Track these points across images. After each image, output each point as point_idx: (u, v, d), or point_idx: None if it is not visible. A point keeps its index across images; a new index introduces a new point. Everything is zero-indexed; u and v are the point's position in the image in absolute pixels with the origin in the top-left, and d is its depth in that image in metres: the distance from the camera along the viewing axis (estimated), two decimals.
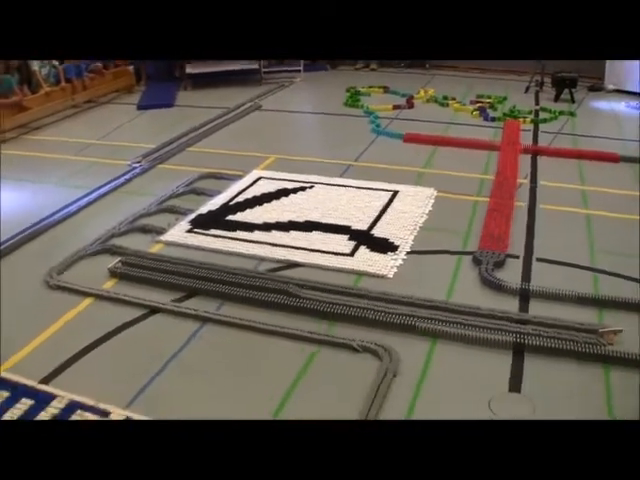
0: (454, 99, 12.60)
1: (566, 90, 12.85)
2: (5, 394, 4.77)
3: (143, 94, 13.61)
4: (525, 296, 5.90)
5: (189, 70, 13.90)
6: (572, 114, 11.83)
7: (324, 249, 6.74)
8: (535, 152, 9.68)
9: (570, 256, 6.59)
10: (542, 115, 11.81)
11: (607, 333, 5.30)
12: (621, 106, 12.68)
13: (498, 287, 5.98)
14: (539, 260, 6.56)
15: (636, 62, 12.89)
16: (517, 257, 6.60)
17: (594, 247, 6.85)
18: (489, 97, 12.73)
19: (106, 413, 4.58)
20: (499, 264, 6.38)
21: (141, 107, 12.74)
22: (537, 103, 12.72)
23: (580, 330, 5.40)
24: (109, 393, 4.79)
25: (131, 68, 14.03)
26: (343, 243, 6.81)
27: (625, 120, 11.88)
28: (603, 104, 12.86)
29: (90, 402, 4.68)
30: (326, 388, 4.89)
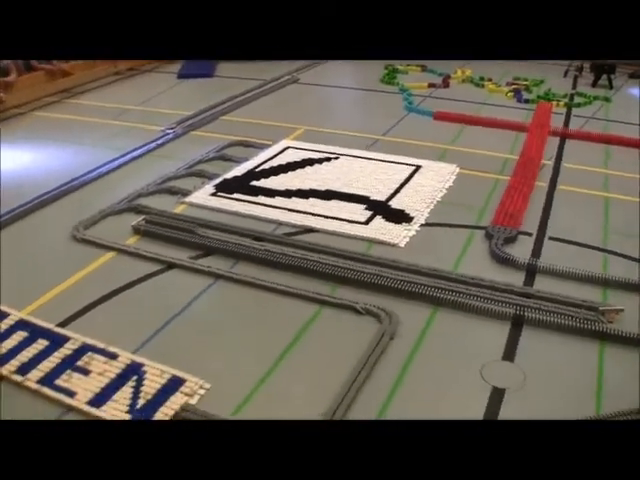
0: (490, 80, 12.65)
1: (605, 76, 12.75)
2: (24, 334, 5.11)
3: (184, 63, 13.82)
4: (532, 271, 6.01)
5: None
6: (607, 100, 11.82)
7: (340, 217, 6.92)
8: (563, 135, 9.73)
9: (583, 236, 6.68)
10: (577, 99, 11.80)
11: (608, 311, 5.40)
12: None
13: (506, 261, 6.10)
14: (551, 239, 6.65)
15: None
16: (530, 234, 6.70)
17: (608, 229, 6.93)
18: (526, 80, 12.76)
19: (115, 356, 4.88)
20: (510, 240, 6.50)
21: (181, 76, 12.99)
22: (574, 87, 12.70)
23: (581, 307, 5.49)
24: (120, 338, 5.07)
25: None
26: (359, 212, 6.97)
27: None
28: None
29: (101, 345, 4.92)
30: (325, 345, 5.10)
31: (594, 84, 12.74)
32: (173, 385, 4.60)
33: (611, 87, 12.61)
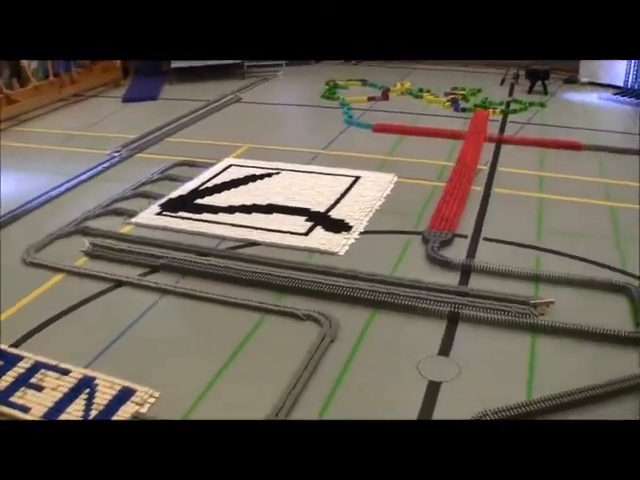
0: (429, 91, 13.00)
1: (540, 82, 13.14)
2: None
3: (129, 87, 14.02)
4: (467, 271, 6.26)
5: (174, 64, 14.26)
6: (542, 105, 12.22)
7: (281, 229, 7.12)
8: (499, 141, 10.06)
9: (517, 236, 6.96)
10: (513, 106, 12.16)
11: (539, 304, 5.67)
12: (593, 98, 13.05)
13: (442, 263, 6.36)
14: (486, 239, 6.92)
15: None
16: (465, 237, 6.95)
17: (542, 228, 7.21)
18: (463, 89, 13.11)
19: (67, 371, 5.04)
20: (446, 242, 6.76)
21: (126, 100, 13.15)
22: (510, 95, 13.08)
23: (513, 301, 5.75)
24: (72, 355, 5.22)
25: (118, 63, 14.37)
26: (300, 224, 7.20)
27: (595, 111, 12.28)
28: (576, 96, 13.24)
29: (53, 362, 5.11)
30: (269, 350, 5.31)
31: (530, 91, 13.15)
32: (124, 395, 4.76)
33: (546, 93, 13.02)
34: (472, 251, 6.68)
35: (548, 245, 6.87)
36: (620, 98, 12.79)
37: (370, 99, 12.50)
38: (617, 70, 13.45)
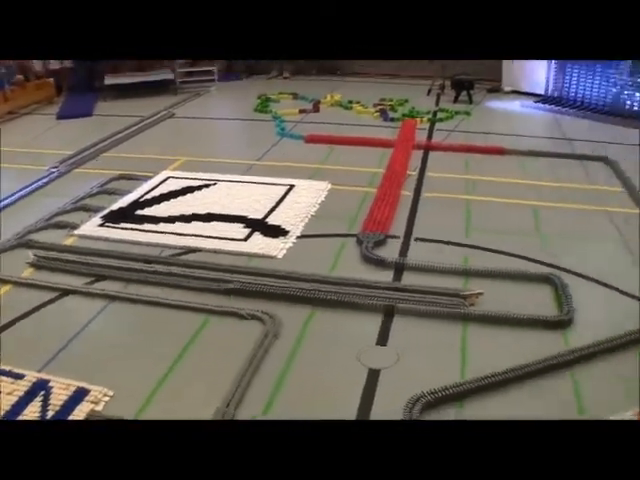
0: (358, 102, 13.40)
1: (465, 92, 13.64)
2: None
3: (63, 105, 14.14)
4: (400, 269, 6.60)
5: (108, 81, 14.46)
6: (467, 113, 12.71)
7: (221, 236, 7.39)
8: (427, 148, 10.48)
9: (446, 235, 7.33)
10: (439, 115, 12.64)
11: (469, 296, 6.03)
12: (516, 105, 13.58)
13: (376, 262, 6.68)
14: (417, 239, 7.27)
15: (530, 64, 13.85)
16: (397, 237, 7.30)
17: (470, 227, 7.60)
18: (391, 100, 13.55)
19: (21, 376, 5.17)
20: (379, 243, 7.10)
21: (61, 117, 13.28)
22: (437, 104, 13.56)
23: (445, 294, 6.10)
24: (25, 361, 5.39)
25: (52, 80, 14.50)
26: (239, 230, 7.48)
27: (518, 118, 12.83)
28: (499, 104, 13.77)
29: (6, 368, 5.27)
30: (215, 348, 5.57)
31: (455, 100, 13.65)
32: (79, 396, 4.95)
33: (471, 102, 13.53)
34: (404, 250, 7.02)
35: (476, 242, 7.25)
36: (541, 105, 13.35)
37: (301, 111, 12.88)
38: (537, 79, 14.02)
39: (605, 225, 7.75)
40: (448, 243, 7.19)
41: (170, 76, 14.66)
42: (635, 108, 12.54)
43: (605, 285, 6.39)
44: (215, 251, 7.11)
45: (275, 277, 6.43)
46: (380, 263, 6.66)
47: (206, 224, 7.72)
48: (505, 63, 14.39)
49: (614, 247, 7.22)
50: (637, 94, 12.51)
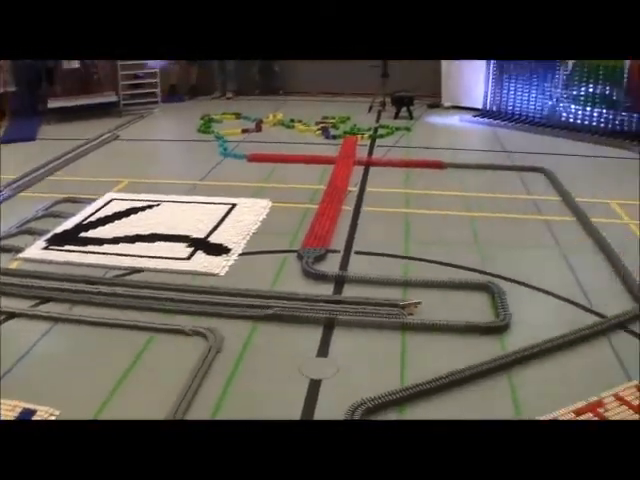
0: (300, 121, 13.54)
1: (405, 108, 13.86)
2: None
3: (6, 129, 14.04)
4: (340, 282, 6.71)
5: (51, 105, 14.41)
6: (407, 129, 12.94)
7: (164, 256, 7.43)
8: (367, 163, 10.66)
9: (386, 248, 7.46)
10: (380, 131, 12.84)
11: (408, 305, 6.15)
12: (455, 120, 13.82)
13: (317, 276, 6.78)
14: (357, 253, 7.39)
15: (468, 79, 14.12)
16: (338, 252, 7.41)
17: (409, 239, 7.75)
18: (333, 118, 13.71)
19: None
20: (320, 258, 7.20)
21: (4, 141, 13.15)
22: (378, 121, 13.76)
23: (384, 305, 6.23)
24: None
25: None
26: (182, 250, 7.54)
27: (457, 132, 13.11)
28: (439, 119, 14.03)
29: None
30: (159, 364, 5.62)
31: (396, 116, 13.86)
32: (25, 416, 4.93)
33: (411, 118, 13.75)
34: (345, 264, 7.13)
35: (415, 254, 7.39)
36: (479, 119, 13.60)
37: (244, 131, 12.97)
38: (476, 94, 14.29)
39: (542, 234, 7.96)
40: (387, 255, 7.27)
41: (114, 98, 14.65)
42: (571, 120, 12.76)
43: (541, 290, 6.59)
44: (158, 271, 7.11)
45: (217, 294, 6.49)
46: (321, 277, 6.75)
47: (150, 244, 7.76)
48: (444, 79, 14.65)
49: (550, 254, 7.42)
50: (572, 106, 12.75)
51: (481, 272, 6.96)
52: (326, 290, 6.59)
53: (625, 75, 12.34)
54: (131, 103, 15.27)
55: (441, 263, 7.14)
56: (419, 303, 6.18)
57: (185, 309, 6.37)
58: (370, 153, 11.41)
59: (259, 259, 7.37)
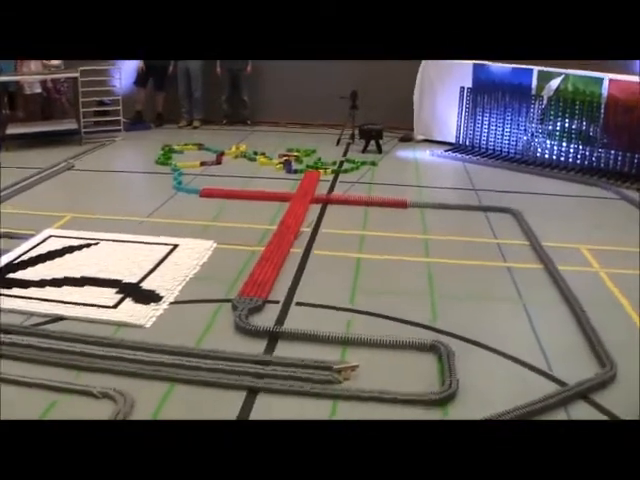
0: (263, 154, 12.92)
1: (374, 141, 13.30)
2: None
3: None
4: (274, 338, 6.12)
5: (10, 131, 13.82)
6: (374, 164, 12.36)
7: (90, 302, 6.86)
8: (326, 201, 10.03)
9: (331, 299, 6.90)
10: (345, 166, 12.25)
11: (344, 369, 5.56)
12: (426, 155, 13.27)
13: (249, 331, 6.19)
14: (298, 304, 6.80)
15: (442, 112, 13.63)
16: (277, 302, 6.81)
17: (357, 289, 7.17)
18: (298, 150, 13.12)
19: None
20: (256, 309, 6.61)
21: None
22: (345, 155, 13.16)
23: (317, 367, 5.66)
24: None
25: None
26: (110, 296, 6.96)
27: (426, 168, 12.54)
28: (409, 153, 13.48)
29: None
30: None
31: (364, 150, 13.30)
32: None
33: (380, 151, 13.20)
34: (282, 317, 6.59)
35: (361, 305, 6.85)
36: (451, 154, 13.06)
37: (202, 164, 12.33)
38: (449, 127, 13.77)
39: (504, 283, 7.45)
40: (330, 308, 6.71)
41: (74, 126, 14.02)
42: (546, 155, 12.28)
43: (495, 352, 6.09)
44: (80, 319, 6.57)
45: (136, 349, 5.94)
46: (253, 332, 6.16)
47: (78, 289, 7.22)
48: (417, 111, 14.12)
49: (510, 308, 6.94)
50: (547, 141, 12.27)
51: (430, 328, 6.42)
52: (257, 347, 6.06)
53: (602, 111, 11.83)
54: (93, 131, 14.60)
55: (387, 317, 6.58)
56: (356, 367, 5.61)
57: (99, 366, 5.80)
58: (331, 189, 10.81)
59: (191, 309, 6.80)
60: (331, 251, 8.18)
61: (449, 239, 8.73)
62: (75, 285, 7.32)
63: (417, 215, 9.66)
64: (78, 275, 7.54)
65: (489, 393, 5.51)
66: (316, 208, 9.83)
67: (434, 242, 8.58)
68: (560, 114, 12.47)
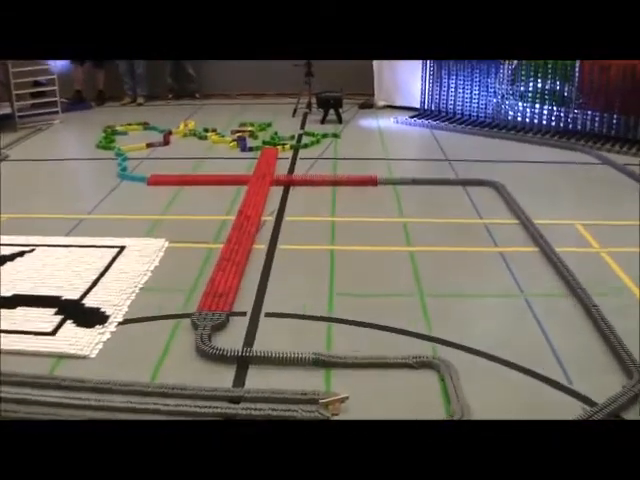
0: (214, 130, 11.82)
1: (333, 110, 12.27)
2: None
3: None
4: (244, 364, 5.14)
5: None
6: (336, 136, 11.34)
7: (24, 328, 5.82)
8: (287, 182, 9.01)
9: (305, 304, 5.89)
10: (305, 140, 11.20)
11: (332, 402, 4.61)
12: (390, 122, 12.32)
13: (214, 357, 5.18)
14: (268, 315, 5.83)
15: (403, 75, 12.65)
16: (244, 314, 5.83)
17: (333, 290, 6.22)
18: (252, 124, 12.07)
19: None
20: (220, 326, 5.62)
21: None
22: (302, 127, 12.11)
23: (299, 401, 4.74)
24: None
25: None
26: (48, 318, 5.93)
27: (392, 137, 11.56)
28: (372, 122, 12.51)
29: None
30: None
31: (323, 120, 12.31)
32: None
33: (340, 121, 12.18)
34: (252, 333, 5.62)
35: (341, 310, 5.92)
36: (417, 120, 12.10)
37: (149, 145, 11.16)
38: (412, 92, 12.87)
39: (501, 274, 6.53)
40: (305, 318, 5.73)
41: (7, 110, 12.73)
42: (518, 118, 11.37)
43: (503, 362, 5.18)
44: (14, 352, 5.52)
45: (75, 389, 4.91)
46: (217, 357, 5.14)
47: (10, 311, 6.14)
48: (377, 75, 13.13)
49: (512, 306, 6.05)
50: (519, 104, 11.34)
51: (424, 337, 5.52)
52: (225, 375, 5.12)
53: (577, 70, 11.03)
54: (29, 114, 13.31)
55: (372, 326, 5.59)
56: (346, 398, 4.64)
57: (35, 417, 4.71)
58: (292, 168, 9.71)
59: (142, 329, 5.80)
60: (299, 244, 7.18)
61: (430, 222, 7.79)
62: (7, 306, 6.23)
63: (389, 193, 8.71)
64: (9, 293, 6.44)
65: (505, 416, 4.46)
66: (277, 191, 8.78)
67: (413, 226, 7.62)
68: (532, 74, 11.58)
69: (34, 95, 13.98)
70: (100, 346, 5.55)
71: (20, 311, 6.12)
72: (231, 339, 5.51)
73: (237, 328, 5.71)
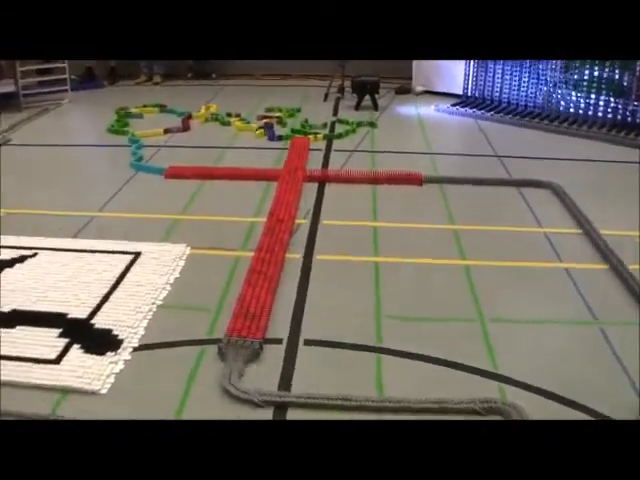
0: (238, 116, 10.88)
1: (369, 96, 11.35)
2: None
3: None
4: (283, 408, 4.26)
5: None
6: (373, 125, 10.41)
7: (25, 355, 4.96)
8: (322, 179, 8.07)
9: (349, 331, 5.08)
10: (338, 129, 10.26)
11: None
12: (430, 110, 11.39)
13: (246, 401, 4.30)
14: (308, 343, 4.93)
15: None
16: (280, 342, 4.94)
17: (380, 312, 5.33)
18: (279, 110, 11.12)
19: None
20: (253, 357, 4.72)
21: None
22: (335, 113, 11.18)
23: None
24: None
25: None
26: (51, 342, 5.07)
27: (434, 127, 10.61)
28: (410, 109, 11.60)
29: None
30: None
31: (357, 107, 11.37)
32: None
33: (376, 108, 11.27)
34: (289, 366, 4.70)
35: (391, 338, 5.07)
36: (459, 109, 11.15)
37: (167, 131, 10.18)
38: (455, 77, 11.93)
39: (570, 297, 5.63)
40: (352, 347, 4.87)
41: (11, 88, 11.79)
42: (571, 110, 10.39)
43: (585, 410, 4.30)
44: (13, 384, 4.65)
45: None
46: (248, 402, 4.27)
47: (8, 331, 5.27)
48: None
49: (588, 337, 5.17)
50: (573, 93, 10.36)
51: (489, 375, 4.68)
52: (262, 414, 4.31)
53: None
54: (35, 93, 12.39)
55: (428, 359, 4.82)
56: None
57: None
58: (326, 162, 8.75)
59: (161, 358, 4.91)
60: (339, 254, 6.27)
61: (484, 229, 6.83)
62: (5, 325, 5.35)
63: (436, 194, 7.80)
64: (7, 309, 5.58)
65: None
66: (311, 188, 7.81)
67: (465, 234, 6.71)
68: (588, 61, 10.55)
69: (41, 72, 12.96)
70: (112, 380, 4.65)
71: (19, 332, 5.22)
72: (265, 374, 4.61)
73: (273, 361, 4.82)
